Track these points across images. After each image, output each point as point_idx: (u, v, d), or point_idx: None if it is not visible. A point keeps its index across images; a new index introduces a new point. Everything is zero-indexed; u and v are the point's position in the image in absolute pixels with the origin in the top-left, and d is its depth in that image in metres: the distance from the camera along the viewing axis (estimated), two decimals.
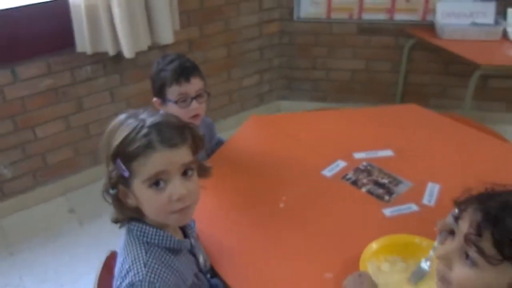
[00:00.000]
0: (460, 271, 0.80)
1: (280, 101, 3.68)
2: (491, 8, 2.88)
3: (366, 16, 3.19)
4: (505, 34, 2.83)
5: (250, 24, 3.27)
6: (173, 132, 0.99)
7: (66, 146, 2.73)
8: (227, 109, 3.42)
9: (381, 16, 3.17)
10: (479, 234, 0.76)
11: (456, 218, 0.84)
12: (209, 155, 1.79)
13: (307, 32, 3.37)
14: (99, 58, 2.59)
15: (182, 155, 1.00)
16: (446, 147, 1.76)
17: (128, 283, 0.95)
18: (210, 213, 1.43)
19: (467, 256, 0.79)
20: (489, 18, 2.88)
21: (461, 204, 0.86)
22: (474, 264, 0.78)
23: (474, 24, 2.87)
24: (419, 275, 1.12)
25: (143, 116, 0.99)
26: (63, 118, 2.64)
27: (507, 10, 2.83)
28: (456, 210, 0.87)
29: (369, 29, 3.25)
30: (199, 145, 1.06)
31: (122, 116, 1.01)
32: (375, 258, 1.19)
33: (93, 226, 2.53)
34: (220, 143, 1.90)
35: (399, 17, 3.14)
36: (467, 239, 0.78)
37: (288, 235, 1.34)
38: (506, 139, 1.85)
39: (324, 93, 3.55)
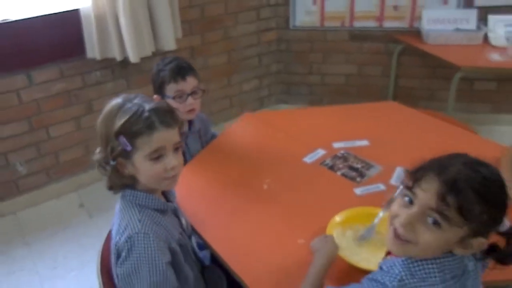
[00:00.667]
0: (427, 235, 0.93)
1: (279, 105, 3.88)
2: (473, 14, 3.07)
3: (357, 24, 3.40)
4: (486, 38, 3.02)
5: (249, 32, 3.49)
6: (168, 115, 1.21)
7: (77, 146, 2.94)
8: (228, 112, 3.62)
9: (371, 24, 3.37)
10: (446, 204, 0.90)
11: (411, 187, 0.97)
12: (203, 146, 1.99)
13: (302, 39, 3.58)
14: (107, 63, 2.81)
15: (175, 134, 1.23)
16: (418, 137, 1.94)
17: (126, 236, 1.16)
18: (202, 192, 1.65)
19: (433, 221, 0.92)
20: (472, 24, 3.07)
21: (415, 173, 0.98)
22: (439, 227, 0.92)
23: (458, 29, 3.06)
24: (365, 237, 1.33)
25: (138, 101, 1.20)
26: (74, 119, 2.86)
27: (488, 17, 3.02)
28: (404, 178, 1.04)
29: (361, 36, 3.45)
30: (181, 127, 1.28)
31: (118, 100, 1.22)
32: (341, 226, 1.37)
33: (101, 219, 2.73)
34: (214, 137, 2.09)
35: (388, 24, 3.34)
36: (437, 210, 0.91)
37: (269, 209, 1.53)
38: (474, 131, 2.03)
39: (320, 97, 3.74)
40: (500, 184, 0.91)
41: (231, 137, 2.04)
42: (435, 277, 0.94)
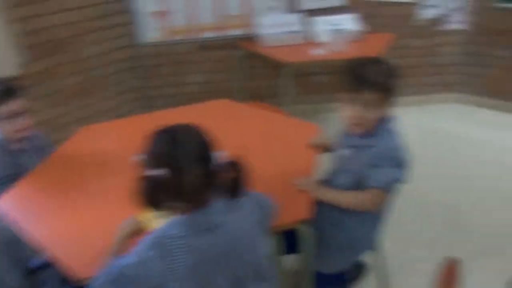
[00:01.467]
0: None
1: None
2: (299, 18, 3.49)
3: (203, 35, 3.66)
4: (312, 37, 3.45)
5: (100, 52, 3.56)
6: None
7: None
8: None
9: (216, 34, 3.65)
10: None
11: None
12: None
13: (154, 54, 3.76)
14: None
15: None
16: (242, 126, 2.21)
17: None
18: (32, 201, 1.76)
19: None
20: (299, 26, 3.47)
21: None
22: None
23: (288, 32, 3.45)
24: None
25: None
26: None
27: (313, 19, 3.47)
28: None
29: (207, 46, 3.71)
30: None
31: None
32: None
33: None
34: None
35: (230, 33, 3.65)
36: None
37: (95, 206, 1.69)
38: (292, 116, 2.34)
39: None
40: (198, 141, 1.21)
41: (67, 150, 2.13)
42: (179, 230, 1.16)
